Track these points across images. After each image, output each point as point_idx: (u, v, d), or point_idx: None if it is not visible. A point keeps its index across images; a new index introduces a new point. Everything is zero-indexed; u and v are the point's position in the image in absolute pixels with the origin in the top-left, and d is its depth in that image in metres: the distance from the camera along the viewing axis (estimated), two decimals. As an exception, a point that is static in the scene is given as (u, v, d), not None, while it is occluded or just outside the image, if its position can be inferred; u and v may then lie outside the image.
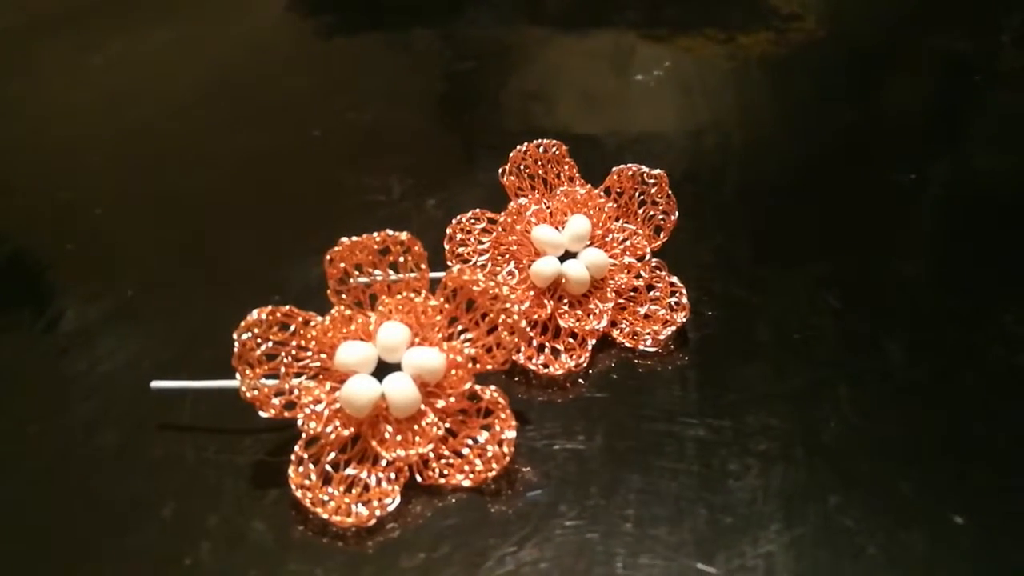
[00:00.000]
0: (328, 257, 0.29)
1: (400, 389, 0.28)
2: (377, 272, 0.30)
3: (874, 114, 0.51)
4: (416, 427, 0.29)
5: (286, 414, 0.28)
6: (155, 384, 0.32)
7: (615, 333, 0.33)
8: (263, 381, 0.28)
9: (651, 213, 0.35)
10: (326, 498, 0.27)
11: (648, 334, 0.33)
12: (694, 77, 0.56)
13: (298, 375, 0.29)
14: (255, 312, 0.29)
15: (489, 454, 0.28)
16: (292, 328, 0.29)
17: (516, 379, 0.32)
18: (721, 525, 0.27)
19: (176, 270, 0.40)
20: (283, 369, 0.29)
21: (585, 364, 0.32)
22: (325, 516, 0.27)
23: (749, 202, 0.43)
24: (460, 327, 0.30)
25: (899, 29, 0.62)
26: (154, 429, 0.31)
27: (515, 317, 0.29)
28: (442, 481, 0.28)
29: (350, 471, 0.28)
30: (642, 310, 0.34)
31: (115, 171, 0.48)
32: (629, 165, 0.35)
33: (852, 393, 0.31)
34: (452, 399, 0.29)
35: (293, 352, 0.29)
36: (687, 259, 0.36)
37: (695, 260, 0.37)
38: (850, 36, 0.62)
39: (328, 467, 0.28)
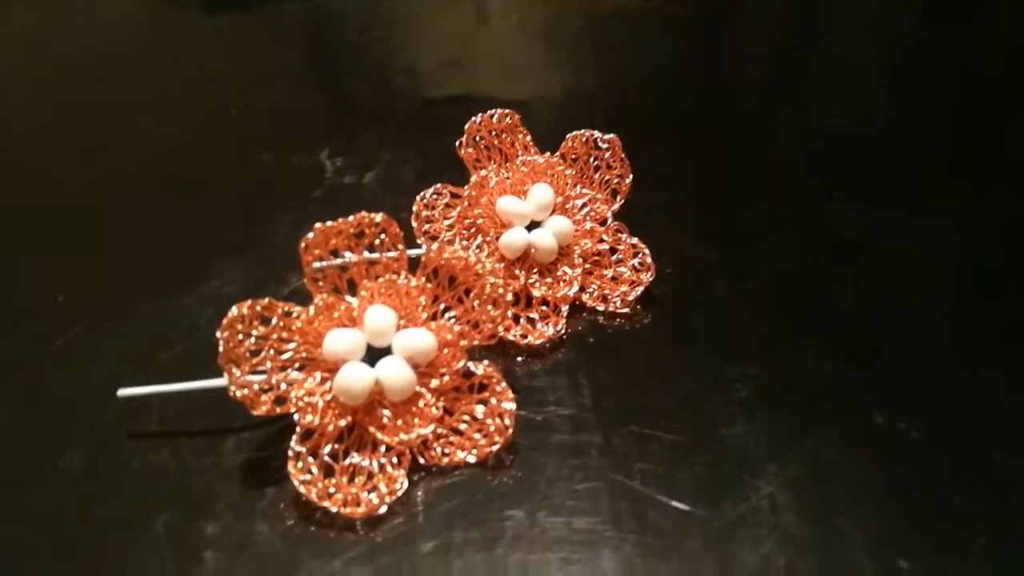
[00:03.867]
0: (303, 244, 0.28)
1: (395, 373, 0.28)
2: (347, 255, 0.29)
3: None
4: (414, 409, 0.28)
5: (278, 410, 0.28)
6: (122, 392, 0.30)
7: (584, 297, 0.34)
8: (249, 378, 0.27)
9: (606, 177, 0.35)
10: (333, 490, 0.27)
11: (617, 296, 0.34)
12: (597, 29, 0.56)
13: (283, 368, 0.28)
14: (235, 308, 0.27)
15: (491, 428, 0.28)
16: (273, 321, 0.28)
17: (494, 352, 0.32)
18: (718, 471, 0.28)
19: (119, 273, 0.38)
20: (269, 364, 0.28)
21: (562, 331, 0.33)
22: (335, 509, 0.27)
23: (686, 155, 0.44)
24: (443, 305, 0.30)
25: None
26: (124, 440, 0.30)
27: (500, 290, 0.29)
28: (445, 460, 0.28)
29: (351, 460, 0.28)
30: (608, 273, 0.34)
31: (8, 171, 0.45)
32: (582, 131, 0.35)
33: (815, 339, 0.33)
34: (447, 378, 0.29)
35: (276, 345, 0.28)
36: (638, 219, 0.37)
37: (645, 219, 0.38)
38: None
39: (328, 459, 0.28)
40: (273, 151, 0.44)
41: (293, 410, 0.28)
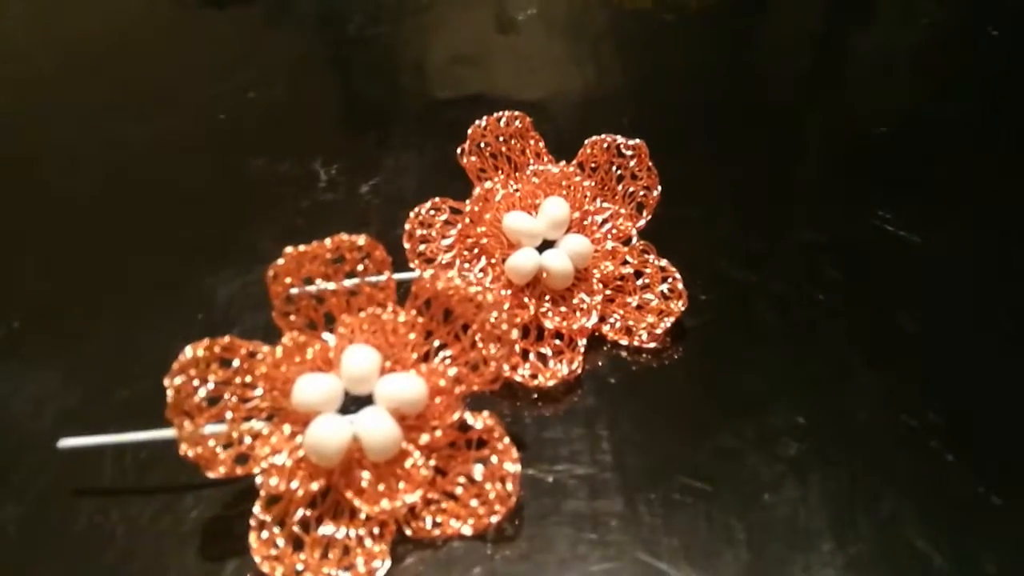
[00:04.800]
0: (271, 272, 0.24)
1: (376, 428, 0.23)
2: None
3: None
4: (399, 470, 0.24)
5: (238, 471, 0.23)
6: (63, 443, 0.26)
7: (605, 329, 0.29)
8: (205, 430, 0.23)
9: (630, 189, 0.31)
10: (300, 567, 0.23)
11: (644, 328, 0.29)
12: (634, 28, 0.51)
13: (247, 419, 0.24)
14: (188, 349, 0.23)
15: (491, 495, 0.24)
16: (236, 363, 0.24)
17: (497, 395, 0.28)
18: (765, 550, 0.23)
19: (69, 294, 0.33)
20: (229, 414, 0.24)
21: (579, 369, 0.28)
22: (301, 592, 0.22)
23: (724, 164, 0.39)
24: (437, 343, 0.25)
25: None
26: (69, 496, 0.26)
27: (503, 326, 0.24)
28: (436, 532, 0.24)
29: (324, 530, 0.23)
30: (633, 301, 0.30)
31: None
32: (603, 136, 0.31)
33: (875, 375, 0.28)
34: (439, 433, 0.24)
35: (239, 392, 0.24)
36: (667, 237, 0.32)
37: (675, 237, 0.33)
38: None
39: (297, 528, 0.23)
40: (264, 156, 0.40)
41: (256, 471, 0.23)
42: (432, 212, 0.29)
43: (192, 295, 0.32)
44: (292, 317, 0.25)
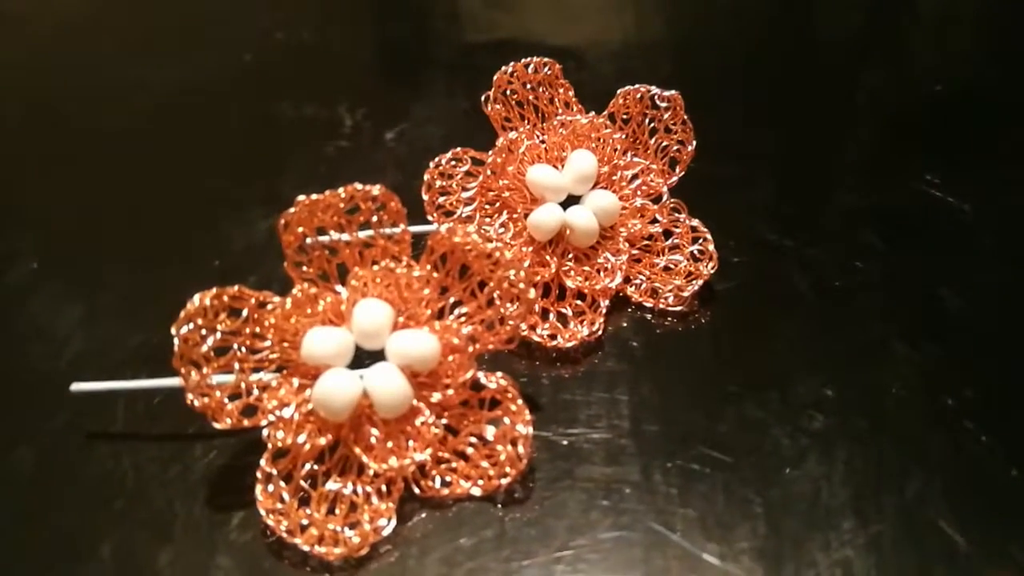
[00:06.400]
0: (282, 221, 0.23)
1: (386, 384, 0.23)
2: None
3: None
4: (409, 428, 0.23)
5: (245, 422, 0.23)
6: (76, 387, 0.26)
7: (630, 290, 0.28)
8: (213, 381, 0.23)
9: (663, 143, 0.29)
10: (306, 522, 0.22)
11: (670, 290, 0.28)
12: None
13: (256, 370, 0.23)
14: (196, 298, 0.23)
15: (502, 456, 0.23)
16: (244, 313, 0.23)
17: (514, 354, 0.27)
18: (783, 525, 0.22)
19: (87, 236, 0.33)
20: (237, 365, 0.23)
21: (600, 331, 0.27)
22: (306, 548, 0.22)
23: (765, 122, 0.37)
24: (452, 299, 0.24)
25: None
26: (82, 441, 0.26)
27: (521, 284, 0.23)
28: (445, 492, 0.23)
29: (331, 485, 0.23)
30: (660, 262, 0.28)
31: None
32: (636, 86, 0.29)
33: (911, 350, 0.27)
34: (451, 391, 0.23)
35: (248, 343, 0.23)
36: (699, 196, 0.31)
37: (708, 196, 0.32)
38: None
39: (303, 483, 0.23)
40: (289, 99, 0.39)
41: (263, 423, 0.23)
42: (453, 163, 0.28)
43: (211, 241, 0.32)
44: (304, 268, 0.24)
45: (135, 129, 0.39)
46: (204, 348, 0.23)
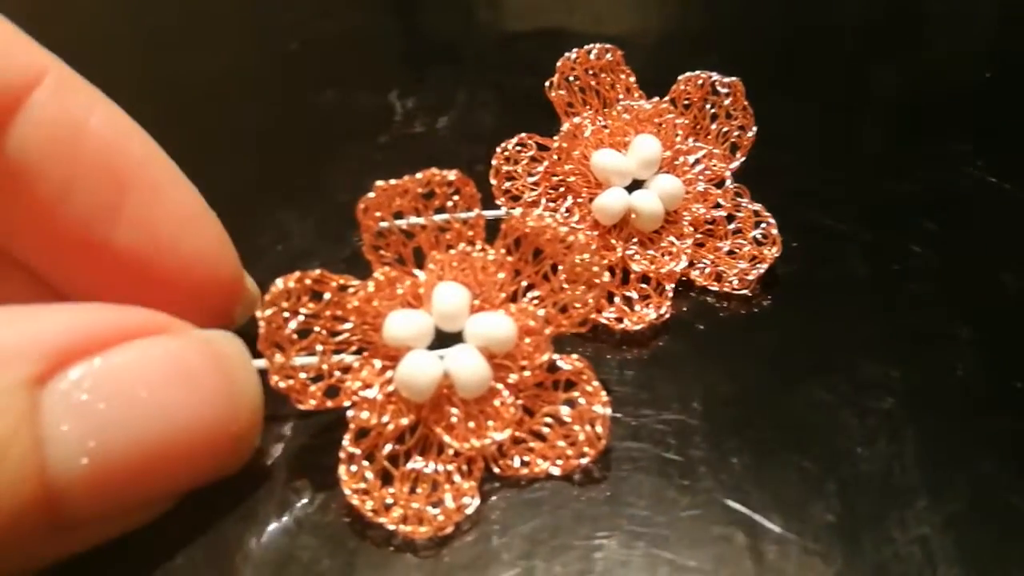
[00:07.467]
0: (362, 206, 0.24)
1: (467, 365, 0.23)
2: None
3: None
4: (488, 408, 0.24)
5: (329, 403, 0.23)
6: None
7: (694, 274, 0.29)
8: (296, 362, 0.23)
9: (724, 128, 0.30)
10: (390, 501, 0.23)
11: (735, 274, 0.28)
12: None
13: (336, 351, 0.24)
14: (279, 281, 0.23)
15: (580, 436, 0.24)
16: (327, 296, 0.24)
17: (581, 337, 0.27)
18: (858, 504, 0.23)
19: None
20: (320, 347, 0.23)
21: (667, 315, 0.27)
22: (392, 527, 0.22)
23: (817, 106, 0.37)
24: (525, 283, 0.25)
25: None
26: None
27: (595, 268, 0.24)
28: (524, 471, 0.24)
29: (413, 465, 0.23)
30: (724, 246, 0.29)
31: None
32: (697, 72, 0.29)
33: (973, 332, 0.27)
34: (527, 373, 0.24)
35: (328, 325, 0.24)
36: (755, 180, 0.31)
37: (763, 180, 0.32)
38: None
39: (386, 463, 0.23)
40: (337, 87, 0.39)
41: (347, 403, 0.23)
42: (519, 148, 0.29)
43: (269, 228, 0.32)
44: (382, 252, 0.24)
45: (183, 118, 0.39)
46: (287, 331, 0.23)
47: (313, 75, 0.41)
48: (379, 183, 0.24)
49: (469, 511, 0.23)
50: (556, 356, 0.24)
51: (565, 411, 0.24)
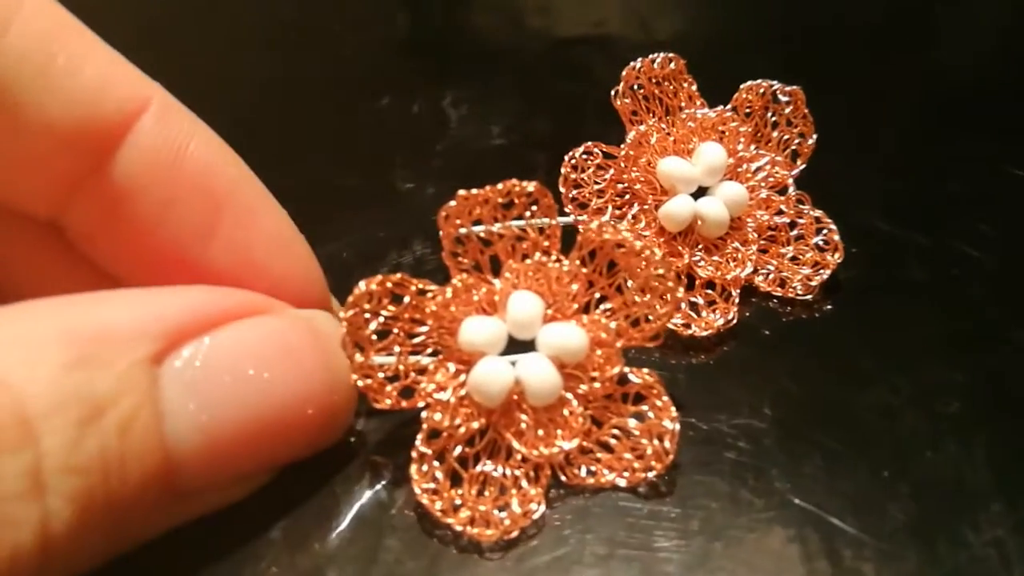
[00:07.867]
0: (443, 214, 0.24)
1: (539, 373, 0.24)
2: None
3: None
4: (557, 417, 0.24)
5: (404, 403, 0.24)
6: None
7: (758, 280, 0.29)
8: (375, 362, 0.24)
9: (784, 136, 0.30)
10: (458, 502, 0.23)
11: (799, 280, 0.28)
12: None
13: (412, 353, 0.24)
14: (362, 284, 0.24)
15: (648, 450, 0.24)
16: (406, 300, 0.24)
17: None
18: (931, 506, 0.23)
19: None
20: (397, 348, 0.24)
21: (735, 320, 0.28)
22: (459, 528, 0.23)
23: (867, 108, 0.37)
24: (598, 294, 0.25)
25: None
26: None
27: (670, 283, 0.24)
28: (590, 481, 0.24)
29: (482, 467, 0.24)
30: (787, 252, 0.29)
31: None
32: (759, 81, 0.30)
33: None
34: (597, 384, 0.24)
35: (406, 328, 0.24)
36: (811, 186, 0.31)
37: (819, 186, 0.32)
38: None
39: (456, 464, 0.24)
40: (390, 96, 0.40)
41: (421, 404, 0.24)
42: (585, 156, 0.29)
43: (335, 234, 0.32)
44: (460, 258, 0.25)
45: (241, 125, 0.39)
46: (368, 331, 0.24)
47: (365, 81, 0.41)
48: (461, 192, 0.24)
49: (535, 516, 0.23)
50: (627, 369, 0.25)
51: (633, 424, 0.24)
